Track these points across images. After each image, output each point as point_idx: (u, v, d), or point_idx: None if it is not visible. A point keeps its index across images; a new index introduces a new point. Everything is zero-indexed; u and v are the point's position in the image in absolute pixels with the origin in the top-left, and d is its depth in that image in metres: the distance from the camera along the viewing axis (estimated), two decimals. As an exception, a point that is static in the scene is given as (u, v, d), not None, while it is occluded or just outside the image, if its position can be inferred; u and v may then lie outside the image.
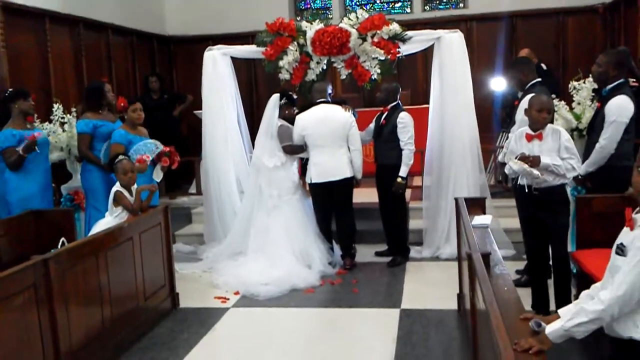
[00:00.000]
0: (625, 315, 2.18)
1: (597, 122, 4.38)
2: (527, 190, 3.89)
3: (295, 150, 5.51)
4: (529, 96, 4.38)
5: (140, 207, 4.44)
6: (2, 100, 5.13)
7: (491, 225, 3.87)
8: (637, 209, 2.28)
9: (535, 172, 3.74)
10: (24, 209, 4.71)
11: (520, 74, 4.70)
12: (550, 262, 4.11)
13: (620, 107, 4.21)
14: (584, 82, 5.30)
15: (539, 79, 4.68)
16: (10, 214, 4.76)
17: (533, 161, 3.73)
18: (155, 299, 4.45)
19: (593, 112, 4.71)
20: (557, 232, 3.94)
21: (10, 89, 5.24)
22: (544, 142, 3.83)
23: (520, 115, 4.53)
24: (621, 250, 2.24)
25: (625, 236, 2.28)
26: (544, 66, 7.18)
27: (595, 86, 4.97)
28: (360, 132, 5.51)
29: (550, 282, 4.09)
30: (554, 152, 3.79)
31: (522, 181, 3.93)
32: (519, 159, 3.77)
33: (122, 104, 5.15)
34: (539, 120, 3.81)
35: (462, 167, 5.60)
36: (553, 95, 4.63)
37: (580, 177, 4.38)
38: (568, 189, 4.38)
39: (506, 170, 4.04)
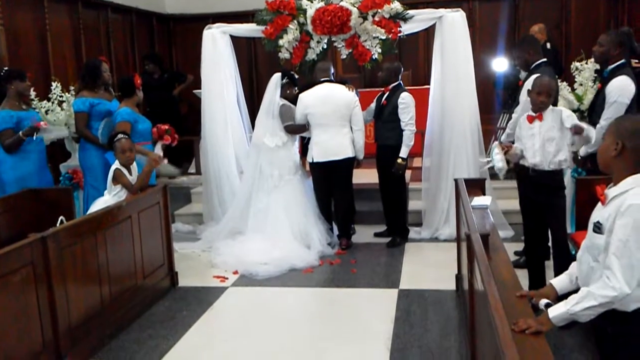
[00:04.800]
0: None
1: (598, 103, 4.35)
2: (527, 172, 3.87)
3: (298, 129, 5.48)
4: (533, 76, 4.34)
5: (141, 186, 4.43)
6: (-1, 80, 5.09)
7: (490, 206, 3.86)
8: (611, 184, 2.28)
9: (501, 164, 3.78)
10: (21, 188, 4.69)
11: (526, 53, 4.64)
12: (550, 244, 4.10)
13: (621, 88, 4.17)
14: (587, 63, 5.25)
15: (545, 59, 4.62)
16: (5, 194, 4.74)
17: (576, 128, 3.66)
18: (154, 278, 4.46)
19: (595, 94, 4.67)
20: (554, 215, 3.92)
21: (6, 69, 5.20)
22: (544, 122, 3.80)
23: (524, 96, 4.49)
24: (598, 228, 2.25)
25: (598, 213, 2.29)
26: (548, 45, 7.09)
27: (598, 67, 4.92)
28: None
29: (549, 264, 4.10)
30: (555, 131, 3.76)
31: (523, 161, 3.90)
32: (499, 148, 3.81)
33: (139, 81, 5.14)
34: (537, 103, 3.79)
35: (462, 149, 5.57)
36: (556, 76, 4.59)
37: (580, 158, 4.36)
38: (568, 172, 4.36)
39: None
